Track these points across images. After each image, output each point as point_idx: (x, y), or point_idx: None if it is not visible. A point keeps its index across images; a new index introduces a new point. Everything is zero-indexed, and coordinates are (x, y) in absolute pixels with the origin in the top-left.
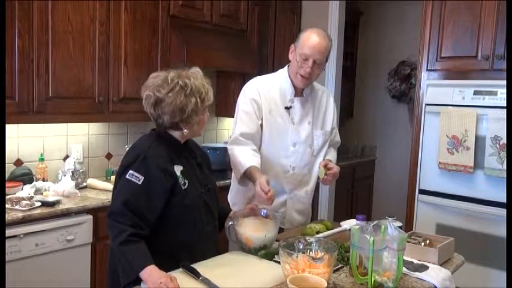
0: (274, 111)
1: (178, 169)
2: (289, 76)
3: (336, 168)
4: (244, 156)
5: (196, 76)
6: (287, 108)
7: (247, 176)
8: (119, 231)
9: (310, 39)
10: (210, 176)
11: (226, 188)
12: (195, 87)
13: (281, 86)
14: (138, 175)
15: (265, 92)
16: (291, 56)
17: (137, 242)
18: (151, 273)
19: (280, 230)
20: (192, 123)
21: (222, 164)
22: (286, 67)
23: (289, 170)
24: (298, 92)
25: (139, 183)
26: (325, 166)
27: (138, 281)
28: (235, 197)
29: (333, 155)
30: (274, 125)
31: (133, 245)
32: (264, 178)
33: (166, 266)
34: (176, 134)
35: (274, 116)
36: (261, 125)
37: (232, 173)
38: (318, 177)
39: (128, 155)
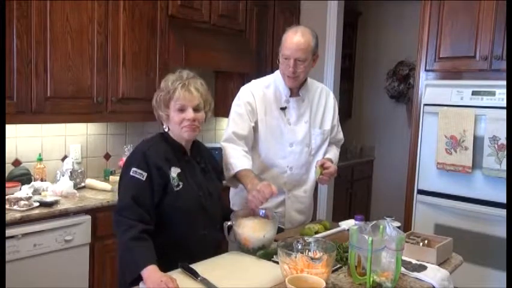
0: (269, 112)
1: (175, 171)
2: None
3: (332, 168)
4: (236, 158)
5: (174, 76)
6: (282, 108)
7: (237, 178)
8: (129, 226)
9: (288, 39)
10: (216, 182)
11: (226, 188)
12: (164, 83)
13: (276, 88)
14: (141, 171)
15: (259, 94)
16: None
17: (147, 241)
18: (151, 273)
19: (280, 230)
20: (164, 119)
21: (221, 164)
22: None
23: (286, 171)
24: (294, 92)
25: (143, 179)
26: (322, 165)
27: (141, 279)
28: (234, 197)
29: (334, 153)
30: (269, 126)
31: (143, 243)
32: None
33: (164, 265)
34: (178, 137)
35: (270, 117)
36: (255, 128)
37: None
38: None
39: (130, 155)
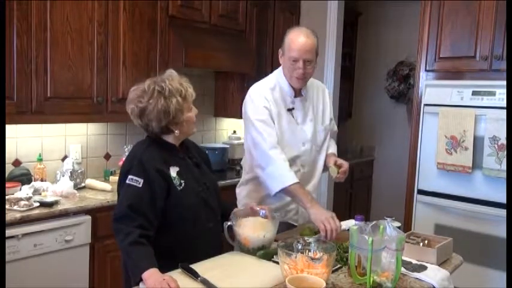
0: (280, 114)
1: (174, 170)
2: (286, 79)
3: (346, 165)
4: (287, 170)
5: (171, 78)
6: (290, 109)
7: (287, 191)
8: (127, 232)
9: (295, 41)
10: (210, 174)
11: (226, 188)
12: (173, 87)
13: (281, 89)
14: (137, 178)
15: (270, 97)
16: (281, 61)
17: (145, 245)
18: (152, 274)
19: (293, 227)
20: (181, 123)
21: (221, 164)
22: (281, 70)
23: (300, 169)
24: (297, 93)
25: (140, 185)
26: (335, 164)
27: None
28: (243, 200)
29: (334, 147)
30: (282, 128)
31: (142, 247)
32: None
33: (170, 265)
34: (170, 138)
35: (281, 118)
36: None
37: (242, 175)
38: (329, 175)
39: (125, 163)
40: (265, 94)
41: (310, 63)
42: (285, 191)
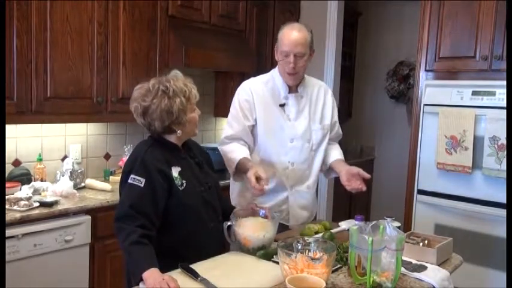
0: (268, 109)
1: (176, 170)
2: (280, 75)
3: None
4: (233, 152)
5: (176, 78)
6: (281, 105)
7: (240, 170)
8: (129, 232)
9: (285, 36)
10: (212, 174)
11: (226, 188)
12: (177, 88)
13: (274, 85)
14: (139, 178)
15: (258, 90)
16: (276, 58)
17: (146, 245)
18: (152, 273)
19: (285, 227)
20: (183, 123)
21: (221, 164)
22: (278, 67)
23: (288, 166)
24: (292, 89)
25: (142, 185)
26: (350, 173)
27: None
28: (236, 199)
29: (340, 151)
30: (269, 123)
31: (143, 247)
32: (251, 173)
33: (172, 265)
34: (172, 138)
35: (269, 113)
36: (254, 125)
37: (231, 175)
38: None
39: (127, 162)
40: (252, 86)
41: (302, 57)
42: (236, 171)
